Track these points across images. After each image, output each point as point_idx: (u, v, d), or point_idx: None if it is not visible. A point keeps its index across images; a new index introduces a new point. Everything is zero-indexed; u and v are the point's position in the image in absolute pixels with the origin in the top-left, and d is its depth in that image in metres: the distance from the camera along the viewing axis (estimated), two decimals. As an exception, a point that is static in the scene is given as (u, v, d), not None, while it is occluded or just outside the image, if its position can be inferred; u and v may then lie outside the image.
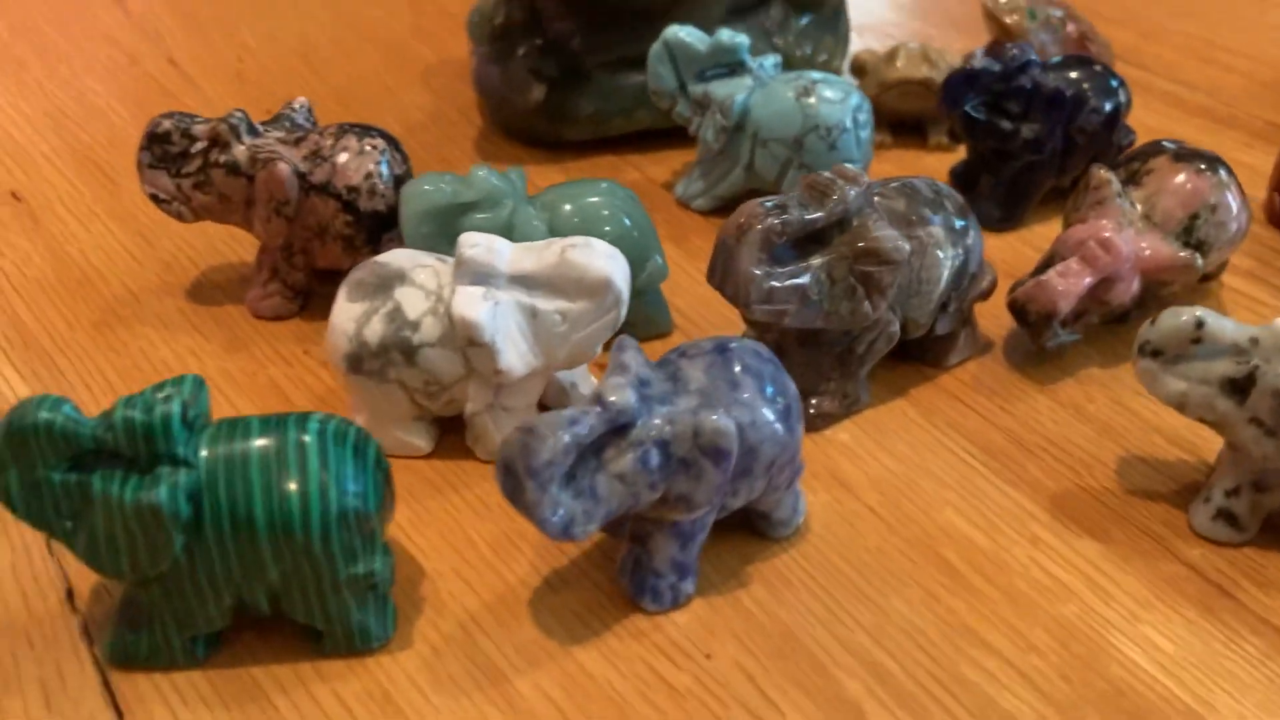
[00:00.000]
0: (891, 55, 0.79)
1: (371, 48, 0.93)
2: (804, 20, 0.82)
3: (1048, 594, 0.50)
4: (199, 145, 0.62)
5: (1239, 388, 0.50)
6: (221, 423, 0.45)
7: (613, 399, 0.45)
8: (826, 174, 0.55)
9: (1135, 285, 0.60)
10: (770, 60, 0.71)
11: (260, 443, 0.45)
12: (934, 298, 0.58)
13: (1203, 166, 0.61)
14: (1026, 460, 0.57)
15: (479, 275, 0.53)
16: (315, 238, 0.62)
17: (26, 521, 0.45)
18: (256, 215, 0.62)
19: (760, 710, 0.46)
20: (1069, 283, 0.58)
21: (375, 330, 0.53)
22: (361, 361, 0.54)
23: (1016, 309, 0.60)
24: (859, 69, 0.80)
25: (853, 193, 0.55)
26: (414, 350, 0.53)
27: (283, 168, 0.60)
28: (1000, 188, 0.71)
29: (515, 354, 0.53)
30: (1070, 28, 0.83)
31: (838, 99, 0.68)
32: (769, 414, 0.48)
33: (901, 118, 0.80)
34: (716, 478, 0.47)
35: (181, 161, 0.62)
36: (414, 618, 0.50)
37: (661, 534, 0.49)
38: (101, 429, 0.43)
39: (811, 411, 0.58)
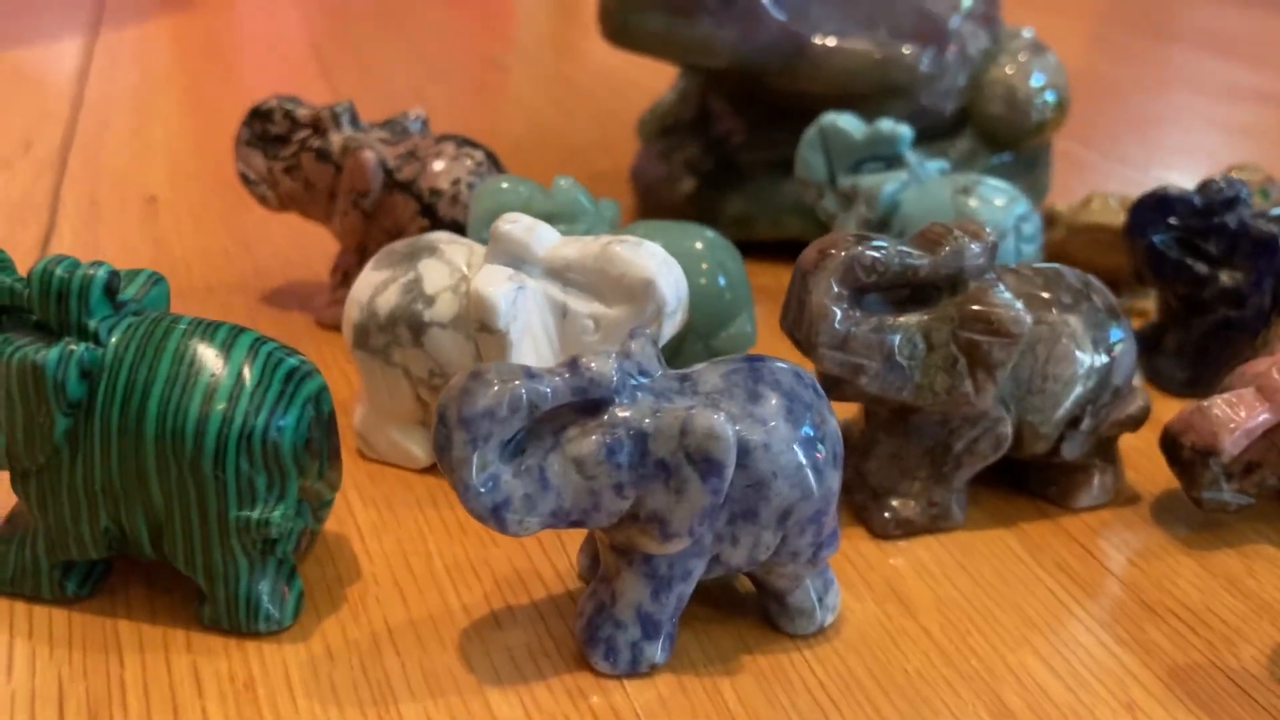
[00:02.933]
0: (1087, 200, 0.69)
1: (550, 150, 0.91)
2: (998, 160, 0.74)
3: (1134, 771, 0.37)
4: (300, 134, 0.59)
5: None
6: (153, 314, 0.40)
7: (588, 363, 0.37)
8: (945, 223, 0.46)
9: (1332, 441, 0.46)
10: (936, 163, 0.63)
11: (182, 340, 0.38)
12: (1062, 403, 0.47)
13: None
14: (1147, 620, 0.43)
15: (512, 257, 0.46)
16: (390, 241, 0.58)
17: (-81, 377, 0.39)
18: (337, 208, 0.58)
19: (694, 811, 0.34)
20: (1238, 416, 0.46)
21: (388, 300, 0.47)
22: (368, 335, 0.47)
23: (1168, 442, 0.47)
24: (1050, 219, 0.70)
25: (973, 248, 0.45)
26: (423, 328, 0.46)
27: (368, 155, 0.56)
28: (1189, 345, 0.59)
29: (532, 352, 0.46)
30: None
31: (1001, 203, 0.59)
32: (792, 443, 0.38)
33: (1093, 273, 0.69)
34: (703, 499, 0.36)
35: (279, 145, 0.60)
36: (325, 615, 0.41)
37: (631, 572, 0.39)
38: (21, 282, 0.38)
39: (887, 515, 0.47)
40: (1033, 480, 0.50)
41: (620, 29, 0.67)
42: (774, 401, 0.38)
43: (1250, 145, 1.05)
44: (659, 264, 0.46)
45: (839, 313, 0.44)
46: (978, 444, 0.47)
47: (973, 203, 0.59)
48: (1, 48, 1.10)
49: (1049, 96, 0.73)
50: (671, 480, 0.37)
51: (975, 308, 0.45)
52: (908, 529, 0.47)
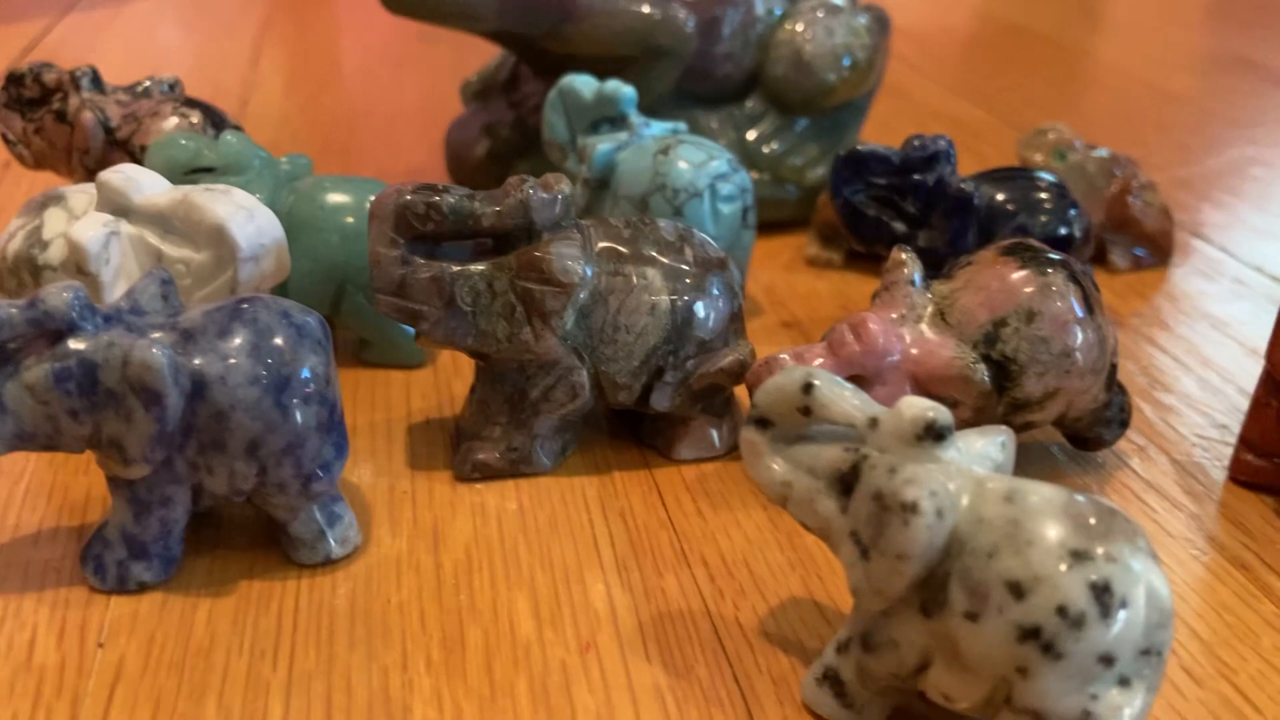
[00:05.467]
0: (853, 162, 0.68)
1: (429, 117, 0.94)
2: (798, 125, 0.73)
3: (548, 708, 0.37)
4: (55, 96, 0.63)
5: (846, 485, 0.35)
6: None
7: (44, 297, 0.39)
8: (523, 175, 0.47)
9: (905, 394, 0.45)
10: (668, 124, 0.63)
11: None
12: (635, 353, 0.47)
13: (1036, 264, 0.46)
14: (672, 569, 0.43)
15: (114, 204, 0.49)
16: (117, 197, 0.61)
17: None
18: (73, 166, 0.62)
19: (91, 710, 0.36)
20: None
21: (14, 246, 0.50)
22: (2, 280, 0.51)
23: (749, 392, 0.47)
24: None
25: (541, 198, 0.46)
26: (38, 271, 0.49)
27: (87, 115, 0.60)
28: (892, 306, 0.58)
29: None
30: (1115, 183, 0.68)
31: (696, 161, 0.59)
32: (253, 378, 0.40)
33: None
34: (150, 426, 0.39)
35: (35, 108, 0.64)
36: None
37: (117, 496, 0.41)
38: None
39: (466, 458, 0.48)
40: (645, 431, 0.51)
41: (390, -5, 0.69)
42: (241, 338, 0.40)
43: (1175, 111, 1.01)
44: (235, 212, 0.48)
45: (393, 257, 0.46)
46: (553, 391, 0.47)
47: (668, 159, 0.59)
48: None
49: (844, 59, 0.71)
50: (120, 408, 0.39)
51: (531, 255, 0.45)
52: (485, 472, 0.48)
